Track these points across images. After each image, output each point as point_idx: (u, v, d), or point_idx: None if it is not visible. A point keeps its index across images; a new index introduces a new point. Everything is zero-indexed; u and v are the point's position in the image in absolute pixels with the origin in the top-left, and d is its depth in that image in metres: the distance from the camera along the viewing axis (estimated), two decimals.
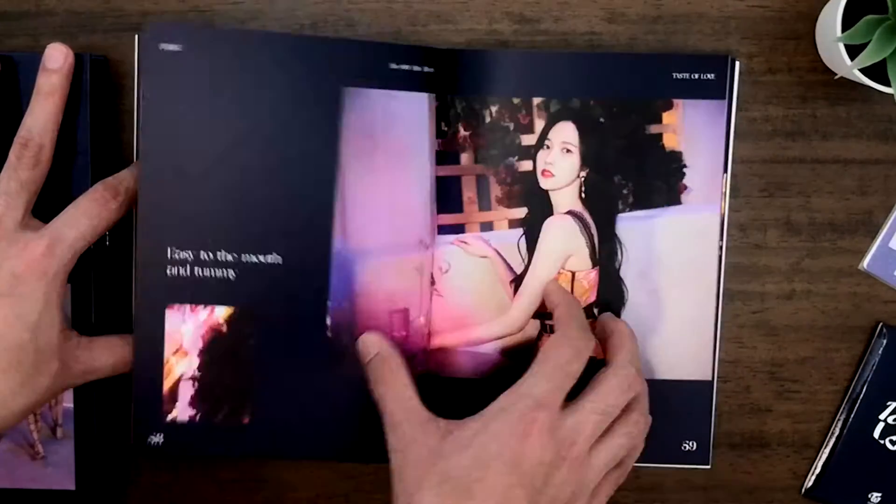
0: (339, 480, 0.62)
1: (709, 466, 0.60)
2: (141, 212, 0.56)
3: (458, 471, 0.50)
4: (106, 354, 0.55)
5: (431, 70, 0.58)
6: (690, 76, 0.58)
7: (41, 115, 0.53)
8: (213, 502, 0.62)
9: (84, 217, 0.53)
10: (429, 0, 0.59)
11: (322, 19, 0.59)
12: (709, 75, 0.58)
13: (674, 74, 0.58)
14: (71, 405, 0.59)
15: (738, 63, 0.59)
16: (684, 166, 0.59)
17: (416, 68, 0.57)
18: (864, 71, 0.53)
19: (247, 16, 0.59)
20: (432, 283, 0.59)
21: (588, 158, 0.59)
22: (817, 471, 0.61)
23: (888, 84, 0.53)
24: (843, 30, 0.53)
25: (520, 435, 0.50)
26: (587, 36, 0.59)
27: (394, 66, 0.57)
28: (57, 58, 0.54)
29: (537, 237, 0.59)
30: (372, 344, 0.56)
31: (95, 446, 0.59)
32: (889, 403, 0.60)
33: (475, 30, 0.59)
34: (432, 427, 0.52)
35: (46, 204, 0.54)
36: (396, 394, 0.54)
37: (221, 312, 0.58)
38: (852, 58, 0.53)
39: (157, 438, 0.58)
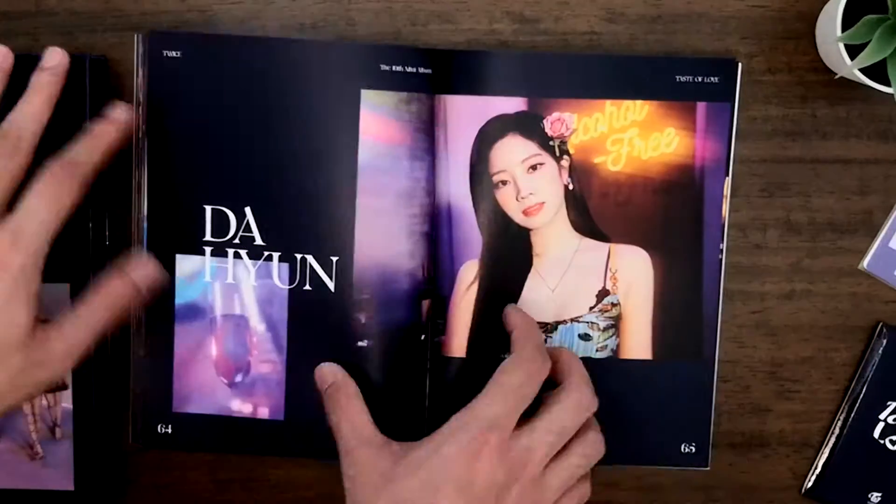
0: (339, 480, 0.61)
1: (708, 468, 0.60)
2: (149, 215, 0.58)
3: (408, 493, 0.50)
4: (80, 327, 0.53)
5: (429, 71, 0.58)
6: (694, 79, 0.58)
7: (27, 109, 0.53)
8: (213, 502, 0.61)
9: (42, 204, 0.51)
10: (429, 0, 0.59)
11: (322, 19, 0.59)
12: (713, 78, 0.58)
13: (677, 77, 0.58)
14: (70, 405, 0.59)
15: (739, 65, 0.59)
16: None
17: (411, 69, 0.57)
18: (864, 71, 0.53)
19: (247, 15, 0.59)
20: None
21: None
22: (817, 471, 0.61)
23: (888, 84, 0.53)
24: (843, 30, 0.53)
25: (471, 457, 0.50)
26: (587, 36, 0.59)
27: (393, 67, 0.57)
28: (52, 59, 0.54)
29: None
30: (328, 374, 0.57)
31: (94, 446, 0.59)
32: (889, 403, 0.60)
33: (475, 30, 0.59)
34: (385, 451, 0.53)
35: None
36: (350, 421, 0.55)
37: None
38: (852, 58, 0.53)
39: (166, 428, 0.59)
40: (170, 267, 0.58)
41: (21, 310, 0.51)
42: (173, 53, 0.57)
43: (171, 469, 0.61)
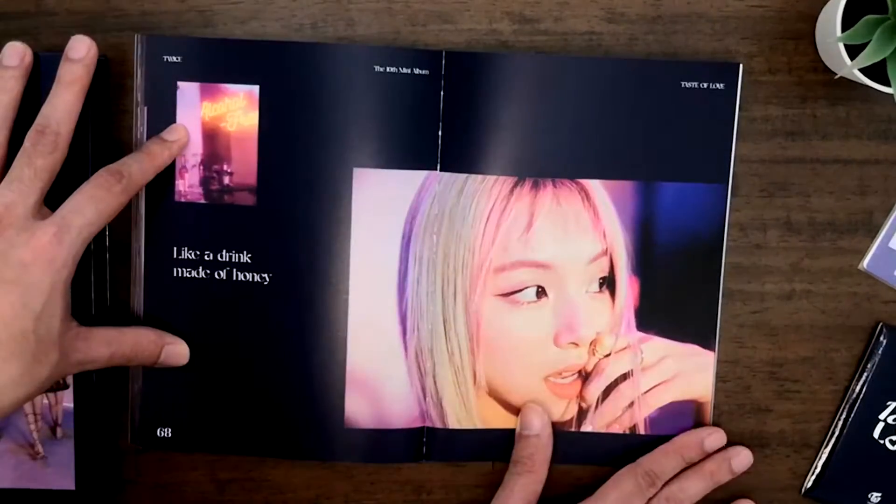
0: (339, 480, 0.62)
1: None
2: (148, 212, 0.58)
3: None
4: (103, 347, 0.55)
5: (426, 73, 0.57)
6: (699, 85, 0.57)
7: (60, 104, 0.53)
8: (213, 502, 0.62)
9: (90, 203, 0.52)
10: (429, 0, 0.59)
11: (322, 19, 0.59)
12: (718, 85, 0.57)
13: (682, 83, 0.58)
14: (71, 405, 0.59)
15: (741, 67, 0.58)
16: None
17: (405, 70, 0.57)
18: (864, 71, 0.53)
19: (246, 15, 0.59)
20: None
21: None
22: (817, 471, 0.61)
23: (888, 84, 0.53)
24: (843, 30, 0.53)
25: None
26: (587, 36, 0.59)
27: (386, 69, 0.57)
28: (80, 48, 0.54)
29: None
30: (537, 423, 0.58)
31: (95, 446, 0.59)
32: (889, 403, 0.60)
33: (475, 30, 0.59)
34: None
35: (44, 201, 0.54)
36: (527, 485, 0.57)
37: None
38: (852, 58, 0.53)
39: (165, 432, 0.59)
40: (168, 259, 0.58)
41: (60, 305, 0.52)
42: (173, 58, 0.57)
43: (171, 469, 0.61)
